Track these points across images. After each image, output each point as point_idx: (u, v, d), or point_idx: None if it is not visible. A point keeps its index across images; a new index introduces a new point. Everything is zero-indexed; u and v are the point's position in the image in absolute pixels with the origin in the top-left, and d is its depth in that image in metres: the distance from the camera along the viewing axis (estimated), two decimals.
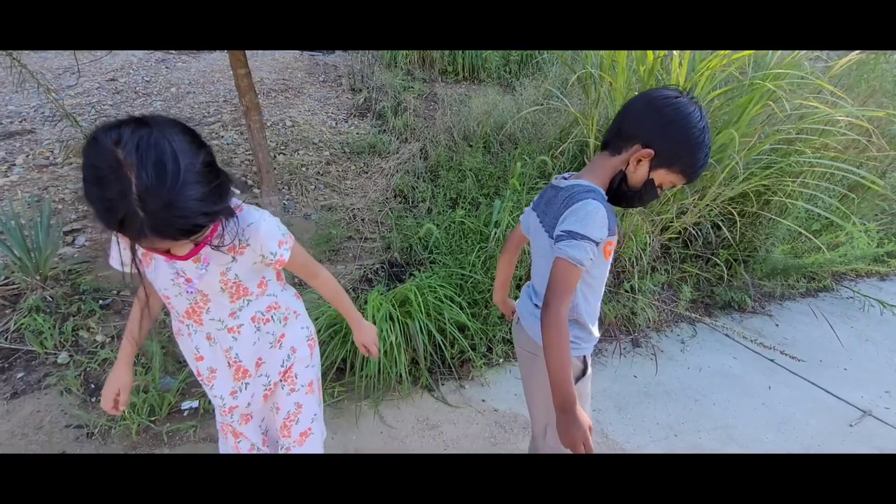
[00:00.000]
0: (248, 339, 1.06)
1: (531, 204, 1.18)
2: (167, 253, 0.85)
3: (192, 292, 0.97)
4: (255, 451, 1.22)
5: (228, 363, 1.07)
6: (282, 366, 1.15)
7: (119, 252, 0.93)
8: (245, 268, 0.99)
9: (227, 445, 1.23)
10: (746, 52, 2.12)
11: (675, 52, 2.09)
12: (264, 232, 0.96)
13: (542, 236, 1.08)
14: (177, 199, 0.70)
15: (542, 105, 3.33)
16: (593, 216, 0.95)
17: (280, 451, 1.23)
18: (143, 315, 1.07)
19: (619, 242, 2.22)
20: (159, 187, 0.68)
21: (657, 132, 0.97)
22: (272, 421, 1.24)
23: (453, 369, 2.14)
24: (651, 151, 0.98)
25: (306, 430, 1.22)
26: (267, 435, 1.26)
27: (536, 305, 1.14)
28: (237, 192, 0.90)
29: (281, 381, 1.17)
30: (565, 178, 1.08)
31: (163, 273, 0.95)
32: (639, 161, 0.99)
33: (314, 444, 1.23)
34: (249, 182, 3.58)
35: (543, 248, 1.08)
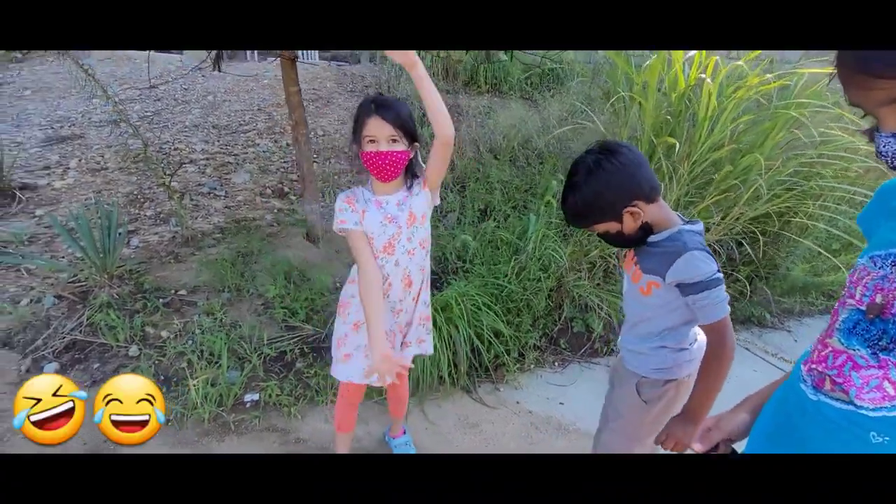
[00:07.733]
0: (417, 258, 1.44)
1: None
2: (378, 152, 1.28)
3: (396, 224, 1.36)
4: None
5: (402, 278, 1.42)
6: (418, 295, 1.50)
7: (338, 217, 1.35)
8: (422, 199, 1.39)
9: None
10: (774, 84, 2.27)
11: (706, 79, 2.23)
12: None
13: None
14: (391, 102, 1.30)
15: (570, 125, 3.47)
16: None
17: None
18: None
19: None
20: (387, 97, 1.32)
21: None
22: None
23: (490, 373, 2.28)
24: None
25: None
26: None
27: None
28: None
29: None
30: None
31: (373, 219, 1.34)
32: None
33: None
34: (286, 189, 3.76)
35: None
